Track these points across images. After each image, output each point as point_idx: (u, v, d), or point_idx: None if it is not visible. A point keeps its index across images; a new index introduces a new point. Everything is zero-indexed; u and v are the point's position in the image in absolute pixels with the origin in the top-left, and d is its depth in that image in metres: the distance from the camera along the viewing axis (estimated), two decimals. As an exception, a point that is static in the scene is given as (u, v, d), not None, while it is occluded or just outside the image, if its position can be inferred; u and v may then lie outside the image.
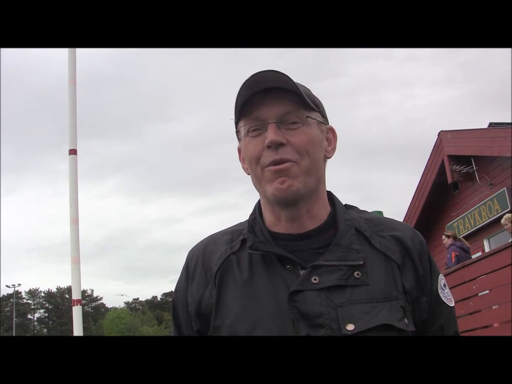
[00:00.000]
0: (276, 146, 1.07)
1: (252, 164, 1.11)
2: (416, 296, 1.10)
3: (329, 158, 1.17)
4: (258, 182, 1.12)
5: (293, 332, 1.01)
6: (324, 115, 1.16)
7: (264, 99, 1.09)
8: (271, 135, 1.07)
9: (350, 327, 1.01)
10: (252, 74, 1.07)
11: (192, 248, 1.22)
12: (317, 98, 1.17)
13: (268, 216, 1.16)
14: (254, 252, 1.11)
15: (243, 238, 1.15)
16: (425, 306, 1.12)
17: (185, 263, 1.20)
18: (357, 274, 1.07)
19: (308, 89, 1.16)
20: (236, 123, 1.15)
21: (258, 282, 1.08)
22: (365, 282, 1.06)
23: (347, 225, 1.14)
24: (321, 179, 1.14)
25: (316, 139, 1.11)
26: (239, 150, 1.19)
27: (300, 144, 1.08)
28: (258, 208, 1.20)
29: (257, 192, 1.17)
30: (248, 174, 1.16)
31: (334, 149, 1.18)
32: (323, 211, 1.16)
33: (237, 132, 1.16)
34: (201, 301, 1.11)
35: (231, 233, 1.19)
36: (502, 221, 8.02)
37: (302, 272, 1.07)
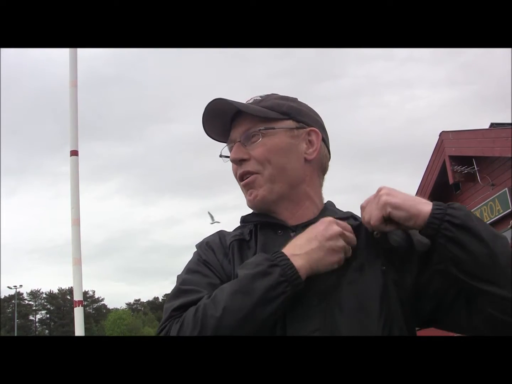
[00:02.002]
0: (238, 162, 1.20)
1: (236, 180, 1.24)
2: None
3: (311, 159, 1.22)
4: (243, 194, 1.24)
5: None
6: (300, 120, 1.22)
7: (233, 122, 1.22)
8: (231, 154, 1.21)
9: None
10: (207, 107, 1.19)
11: (204, 238, 1.27)
12: (292, 104, 1.23)
13: None
14: (247, 224, 1.22)
15: (250, 230, 1.23)
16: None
17: (201, 244, 1.24)
18: None
19: (280, 99, 1.23)
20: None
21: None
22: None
23: (337, 210, 1.24)
24: (297, 182, 1.20)
25: (280, 146, 1.18)
26: None
27: (259, 155, 1.18)
28: None
29: None
30: None
31: (317, 150, 1.22)
32: (312, 211, 1.22)
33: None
34: (223, 265, 1.17)
35: (241, 228, 1.26)
36: None
37: (293, 234, 1.15)
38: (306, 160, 1.21)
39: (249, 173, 1.19)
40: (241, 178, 1.21)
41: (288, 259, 1.03)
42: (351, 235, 1.11)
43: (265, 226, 1.20)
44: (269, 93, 1.26)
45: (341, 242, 1.08)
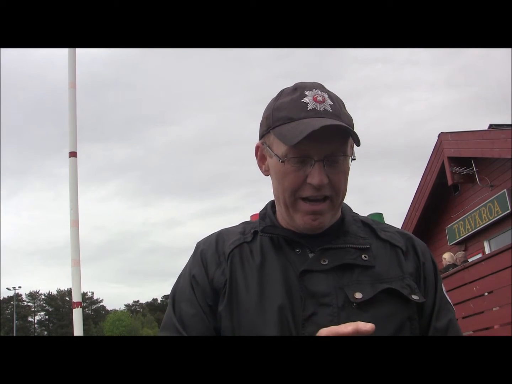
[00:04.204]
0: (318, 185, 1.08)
1: (286, 192, 1.11)
2: (415, 281, 1.15)
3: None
4: (286, 208, 1.14)
5: (301, 309, 1.07)
6: (352, 145, 1.13)
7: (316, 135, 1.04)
8: (319, 176, 1.07)
9: (358, 295, 1.07)
10: (317, 115, 1.06)
11: (203, 238, 1.25)
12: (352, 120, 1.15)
13: (281, 220, 1.20)
14: (265, 235, 1.17)
15: (254, 230, 1.20)
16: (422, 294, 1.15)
17: (196, 250, 1.22)
18: (365, 257, 1.13)
19: (346, 109, 1.15)
20: (271, 128, 1.12)
21: (269, 265, 1.13)
22: (372, 264, 1.13)
23: (354, 219, 1.21)
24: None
25: (348, 172, 1.13)
26: (257, 148, 1.20)
27: (338, 182, 1.10)
28: (270, 207, 1.24)
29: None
30: (266, 176, 1.20)
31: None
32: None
33: (267, 138, 1.14)
34: (213, 279, 1.15)
35: (243, 227, 1.24)
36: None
37: (311, 255, 1.13)
38: None
39: (326, 197, 1.10)
40: (313, 199, 1.10)
41: None
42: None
43: (281, 239, 1.16)
44: (332, 94, 1.14)
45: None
